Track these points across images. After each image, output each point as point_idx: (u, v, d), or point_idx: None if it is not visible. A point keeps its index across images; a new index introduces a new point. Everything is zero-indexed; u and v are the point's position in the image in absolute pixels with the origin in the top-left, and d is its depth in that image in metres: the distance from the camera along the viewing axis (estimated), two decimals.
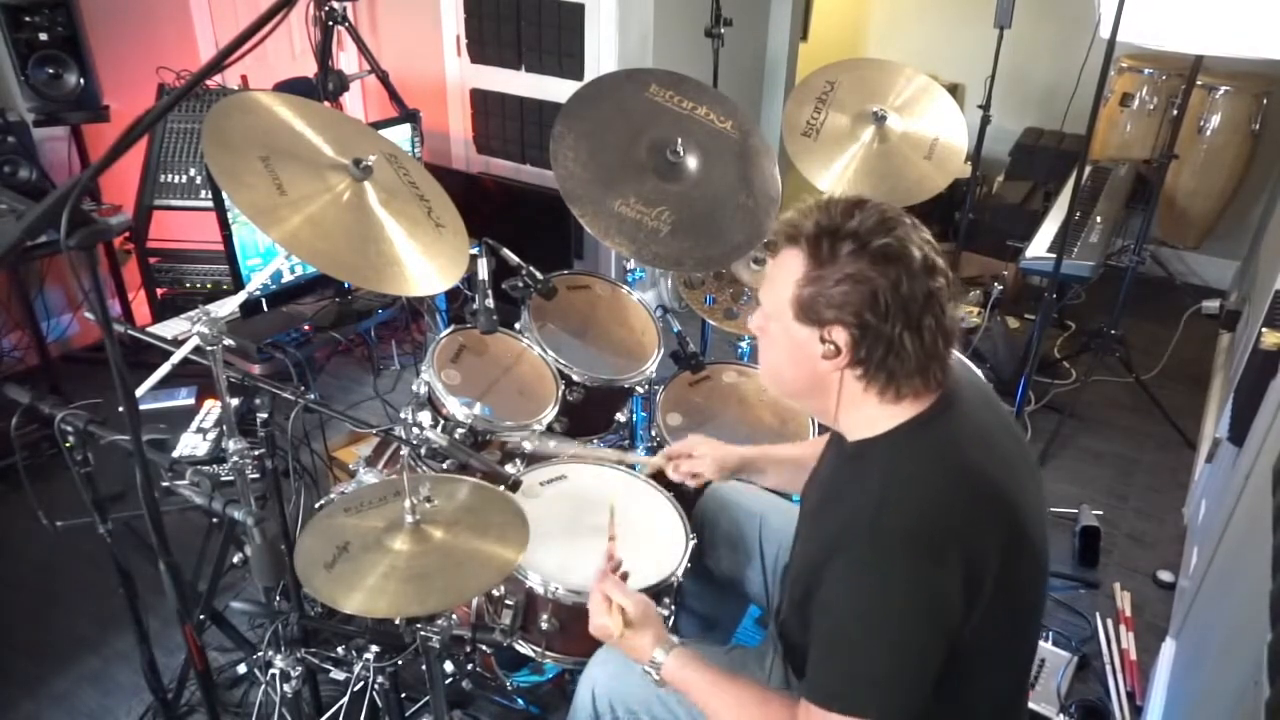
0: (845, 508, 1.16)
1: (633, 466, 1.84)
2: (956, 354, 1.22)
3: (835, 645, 1.12)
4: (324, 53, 3.04)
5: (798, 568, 1.30)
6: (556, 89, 3.48)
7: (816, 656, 1.14)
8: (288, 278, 2.69)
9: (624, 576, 1.48)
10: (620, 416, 2.22)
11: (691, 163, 2.19)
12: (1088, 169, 3.42)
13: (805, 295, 1.13)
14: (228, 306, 1.58)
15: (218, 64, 1.06)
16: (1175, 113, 3.06)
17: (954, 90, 4.12)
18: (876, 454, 1.17)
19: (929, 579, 1.06)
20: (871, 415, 1.17)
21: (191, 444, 2.06)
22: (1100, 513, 2.71)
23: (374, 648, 1.65)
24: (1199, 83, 3.12)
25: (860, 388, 1.15)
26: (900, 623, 1.08)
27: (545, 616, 1.64)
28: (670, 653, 1.29)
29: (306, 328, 2.76)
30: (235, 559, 1.97)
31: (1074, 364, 3.52)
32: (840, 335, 1.12)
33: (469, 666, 1.92)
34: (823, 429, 2.10)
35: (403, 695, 1.75)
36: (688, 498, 1.91)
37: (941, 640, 1.08)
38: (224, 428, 1.64)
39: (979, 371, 1.35)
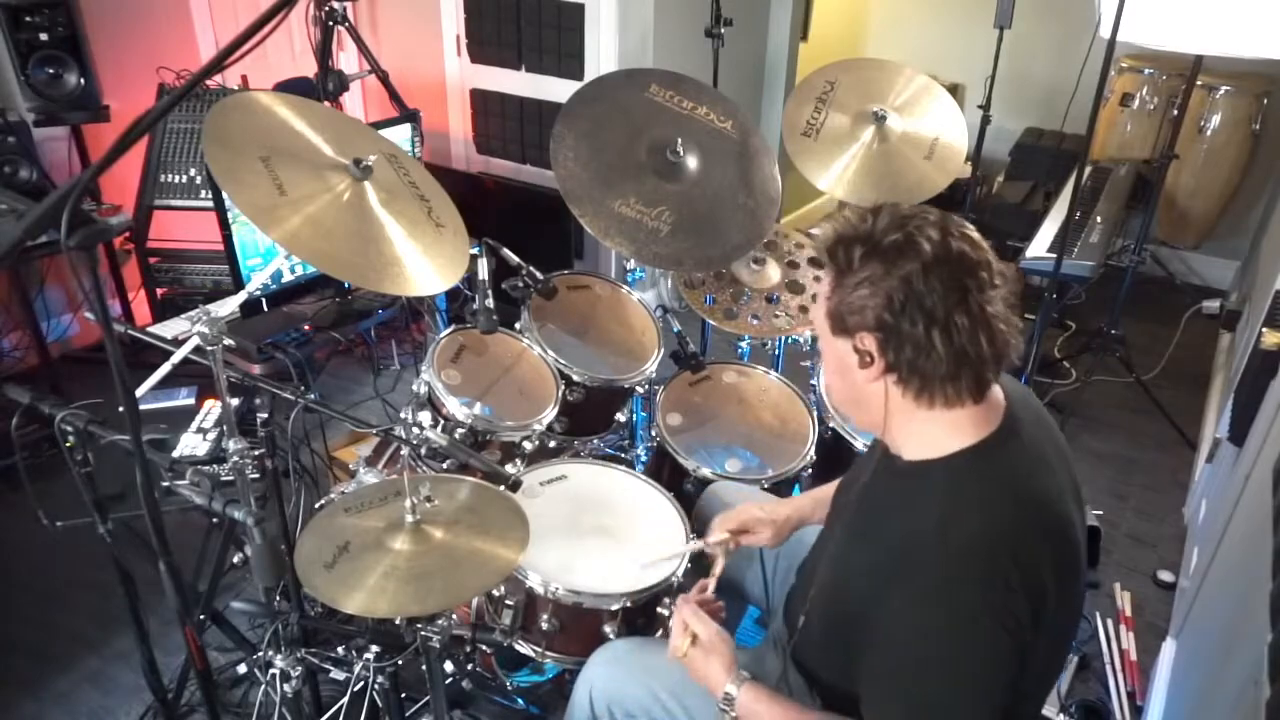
0: (899, 531, 1.14)
1: (700, 554, 1.68)
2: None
3: (905, 677, 1.09)
4: (324, 53, 3.04)
5: (830, 583, 1.26)
6: (556, 89, 3.48)
7: (884, 688, 1.12)
8: (288, 278, 2.69)
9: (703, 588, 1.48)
10: (620, 416, 2.22)
11: (691, 163, 2.19)
12: (1088, 169, 3.42)
13: (832, 307, 1.12)
14: (228, 306, 1.58)
15: (218, 64, 1.06)
16: (1175, 113, 3.06)
17: (954, 90, 4.12)
18: (936, 476, 1.13)
19: (1000, 605, 1.03)
20: (926, 432, 1.14)
21: (191, 444, 2.06)
22: (1100, 513, 2.71)
23: (374, 648, 1.65)
24: (1199, 83, 3.12)
25: (899, 394, 1.12)
26: (973, 652, 1.05)
27: (545, 616, 1.64)
28: (741, 687, 1.26)
29: (306, 328, 2.76)
30: (235, 559, 1.97)
31: (1074, 364, 3.52)
32: (869, 342, 1.10)
33: (469, 666, 1.92)
34: (818, 444, 2.11)
35: (403, 695, 1.75)
36: (688, 499, 1.91)
37: (1014, 666, 1.06)
38: (224, 428, 1.64)
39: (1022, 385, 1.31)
